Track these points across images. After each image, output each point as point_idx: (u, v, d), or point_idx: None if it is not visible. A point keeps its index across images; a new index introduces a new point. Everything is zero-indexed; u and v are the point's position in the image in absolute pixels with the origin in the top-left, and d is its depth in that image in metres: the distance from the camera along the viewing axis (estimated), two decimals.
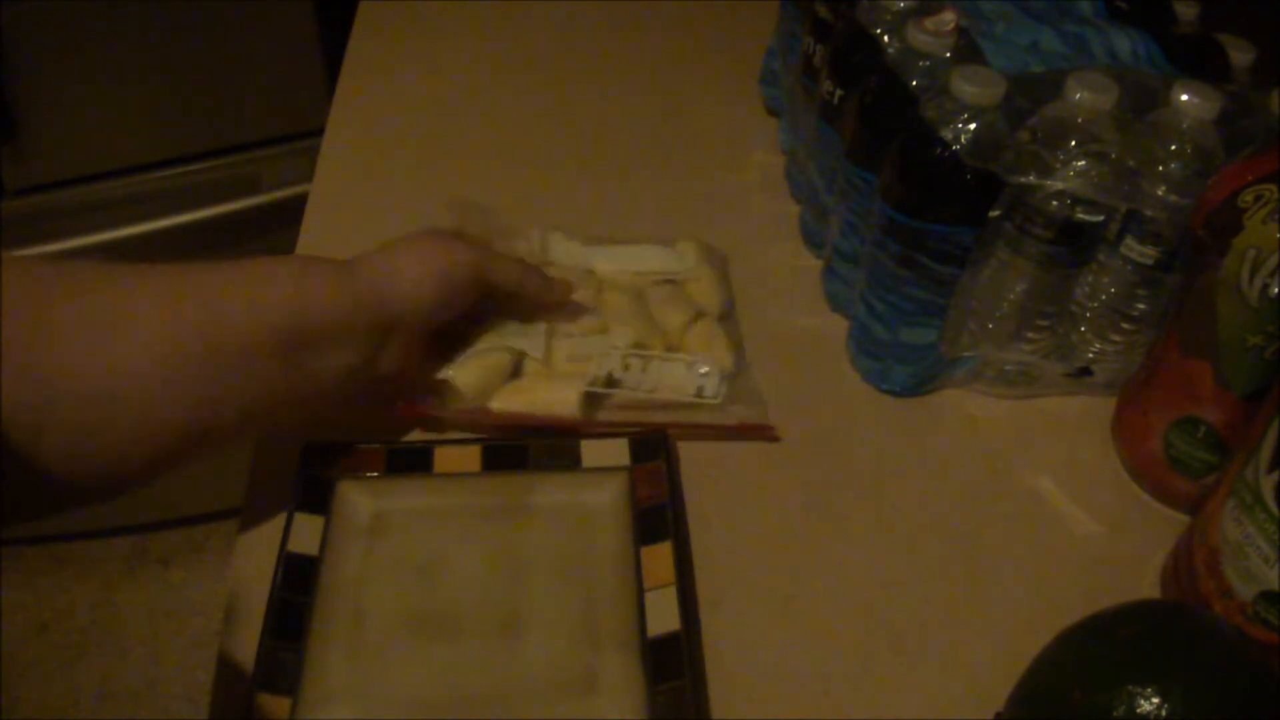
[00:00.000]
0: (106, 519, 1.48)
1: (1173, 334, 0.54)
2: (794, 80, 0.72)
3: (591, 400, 0.57)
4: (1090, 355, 0.60)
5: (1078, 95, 0.52)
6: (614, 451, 0.54)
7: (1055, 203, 0.53)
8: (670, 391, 0.57)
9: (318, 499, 0.51)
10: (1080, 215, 0.53)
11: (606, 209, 0.73)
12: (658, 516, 0.51)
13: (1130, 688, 0.38)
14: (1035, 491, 0.57)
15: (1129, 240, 0.55)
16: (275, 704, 0.44)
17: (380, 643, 0.47)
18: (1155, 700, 0.38)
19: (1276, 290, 0.47)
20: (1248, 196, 0.48)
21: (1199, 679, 0.39)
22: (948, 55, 0.56)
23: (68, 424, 0.42)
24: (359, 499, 0.52)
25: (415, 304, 0.51)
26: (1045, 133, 0.53)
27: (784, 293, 0.68)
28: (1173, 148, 0.53)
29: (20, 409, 0.40)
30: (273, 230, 1.13)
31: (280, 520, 0.50)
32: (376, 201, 0.73)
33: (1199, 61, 0.58)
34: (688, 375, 0.57)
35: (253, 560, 0.50)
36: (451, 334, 0.57)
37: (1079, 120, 0.52)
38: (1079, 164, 0.52)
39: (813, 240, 0.70)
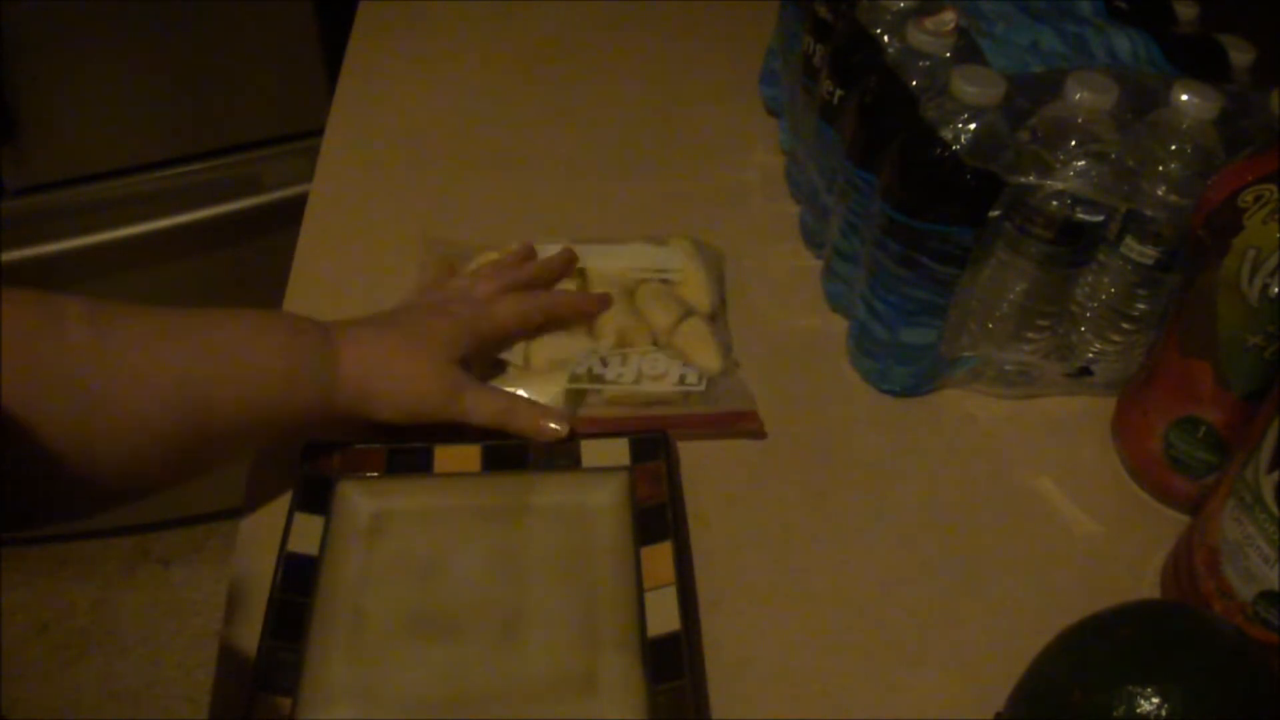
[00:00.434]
0: (107, 519, 1.48)
1: (1173, 334, 0.54)
2: (794, 80, 0.72)
3: (575, 396, 0.57)
4: (1090, 355, 0.60)
5: (1078, 95, 0.52)
6: (614, 451, 0.54)
7: (1055, 203, 0.53)
8: (653, 383, 0.57)
9: (318, 499, 0.51)
10: (1080, 215, 0.53)
11: (606, 209, 0.73)
12: (658, 516, 0.51)
13: (1130, 688, 0.38)
14: (1035, 491, 0.57)
15: (1129, 240, 0.55)
16: (275, 704, 0.44)
17: (380, 643, 0.47)
18: (1155, 700, 0.38)
19: (1276, 290, 0.47)
20: (1248, 196, 0.48)
21: (1199, 679, 0.39)
22: (948, 55, 0.56)
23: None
24: (359, 499, 0.52)
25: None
26: (1045, 133, 0.53)
27: (784, 293, 0.68)
28: (1173, 148, 0.53)
29: None
30: (273, 230, 1.13)
31: (280, 520, 0.50)
32: (376, 201, 0.73)
33: (1199, 61, 0.58)
34: (670, 366, 0.57)
35: (253, 560, 0.50)
36: None
37: (1079, 120, 0.52)
38: (1079, 164, 0.52)
39: (813, 240, 0.70)
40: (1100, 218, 0.54)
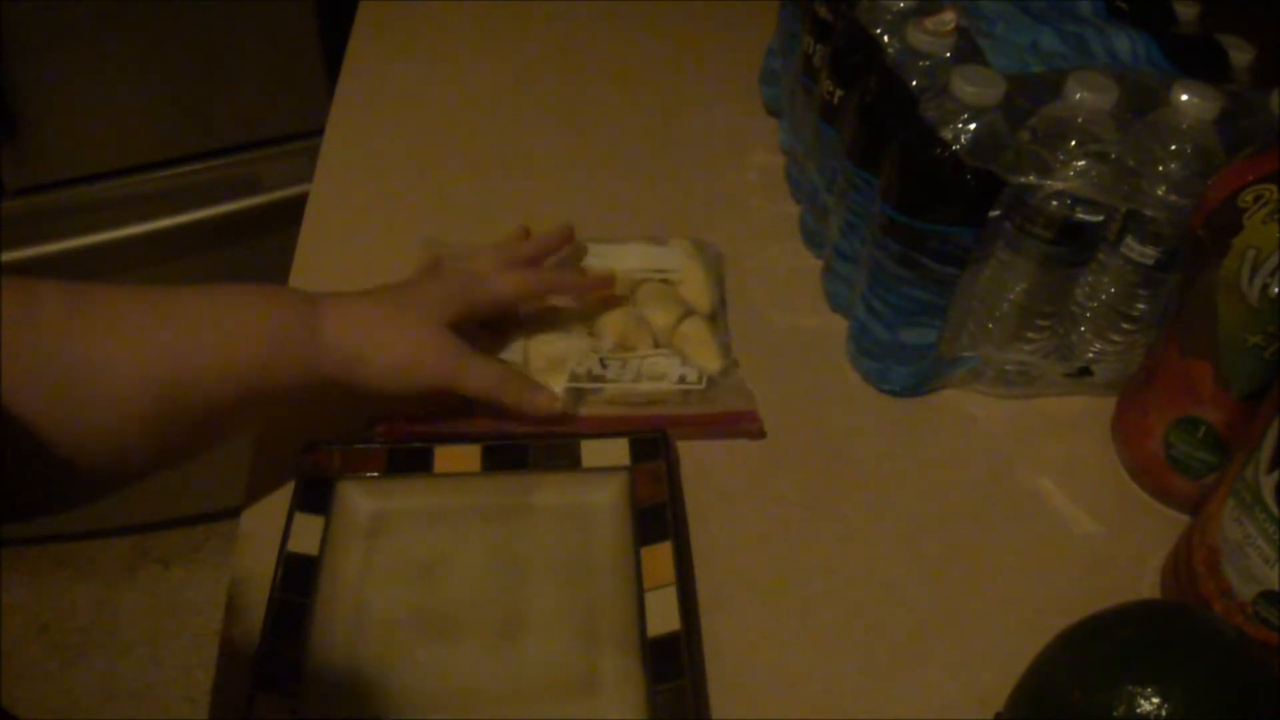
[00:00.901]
0: (106, 519, 1.48)
1: (1173, 334, 0.54)
2: (794, 80, 0.72)
3: (575, 396, 0.57)
4: (1090, 355, 0.60)
5: (1078, 95, 0.52)
6: (614, 451, 0.54)
7: (1055, 203, 0.53)
8: (653, 382, 0.57)
9: (318, 499, 0.51)
10: (1080, 215, 0.53)
11: (607, 209, 0.73)
12: (658, 516, 0.51)
13: (1130, 688, 0.38)
14: (1035, 491, 0.57)
15: (1129, 240, 0.55)
16: (275, 704, 0.44)
17: (380, 643, 0.47)
18: (1155, 700, 0.38)
19: (1276, 290, 0.47)
20: (1248, 196, 0.48)
21: (1199, 679, 0.39)
22: (948, 55, 0.56)
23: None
24: (359, 499, 0.52)
25: (375, 391, 0.52)
26: (1045, 133, 0.53)
27: (784, 293, 0.68)
28: (1173, 148, 0.53)
29: None
30: (273, 230, 1.13)
31: (280, 520, 0.50)
32: (376, 201, 0.73)
33: (1199, 61, 0.58)
34: (669, 365, 0.57)
35: (253, 560, 0.50)
36: None
37: (1079, 120, 0.52)
38: (1079, 164, 0.52)
39: (813, 240, 0.70)
40: (1100, 218, 0.54)
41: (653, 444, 0.54)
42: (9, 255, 1.10)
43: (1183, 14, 0.63)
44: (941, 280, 0.56)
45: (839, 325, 0.64)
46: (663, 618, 0.47)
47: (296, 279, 0.65)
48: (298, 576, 0.48)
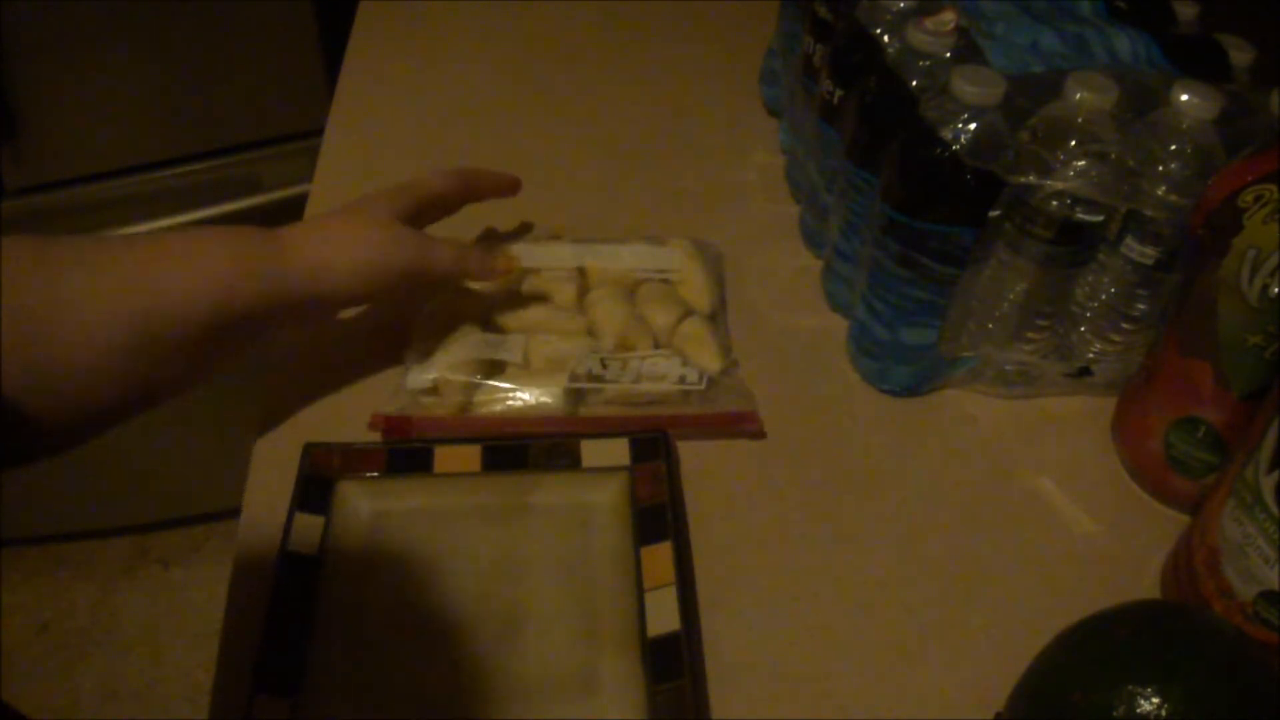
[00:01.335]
0: (106, 519, 1.48)
1: (1173, 334, 0.54)
2: (794, 80, 0.72)
3: (575, 396, 0.57)
4: (1090, 355, 0.60)
5: (1078, 95, 0.52)
6: (614, 451, 0.54)
7: (1055, 203, 0.53)
8: (652, 382, 0.57)
9: (318, 499, 0.51)
10: (1080, 215, 0.53)
11: (606, 209, 0.73)
12: (658, 516, 0.51)
13: (1130, 688, 0.38)
14: (1035, 491, 0.57)
15: (1129, 240, 0.55)
16: (275, 704, 0.44)
17: (380, 643, 0.47)
18: (1155, 700, 0.38)
19: (1276, 290, 0.47)
20: (1248, 196, 0.48)
21: (1199, 679, 0.39)
22: (948, 55, 0.56)
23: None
24: (359, 499, 0.52)
25: (345, 296, 0.54)
26: (1045, 133, 0.53)
27: (784, 293, 0.68)
28: (1173, 148, 0.53)
29: None
30: None
31: (280, 520, 0.50)
32: None
33: (1199, 61, 0.58)
34: (669, 365, 0.57)
35: (253, 560, 0.50)
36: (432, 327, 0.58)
37: (1079, 120, 0.52)
38: (1079, 164, 0.52)
39: (813, 240, 0.70)
40: (1100, 218, 0.54)
41: (653, 444, 0.54)
42: None
43: (1183, 14, 0.63)
44: (941, 280, 0.56)
45: (839, 325, 0.64)
46: (663, 618, 0.47)
47: None
48: (298, 576, 0.48)
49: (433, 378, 0.56)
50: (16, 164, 1.10)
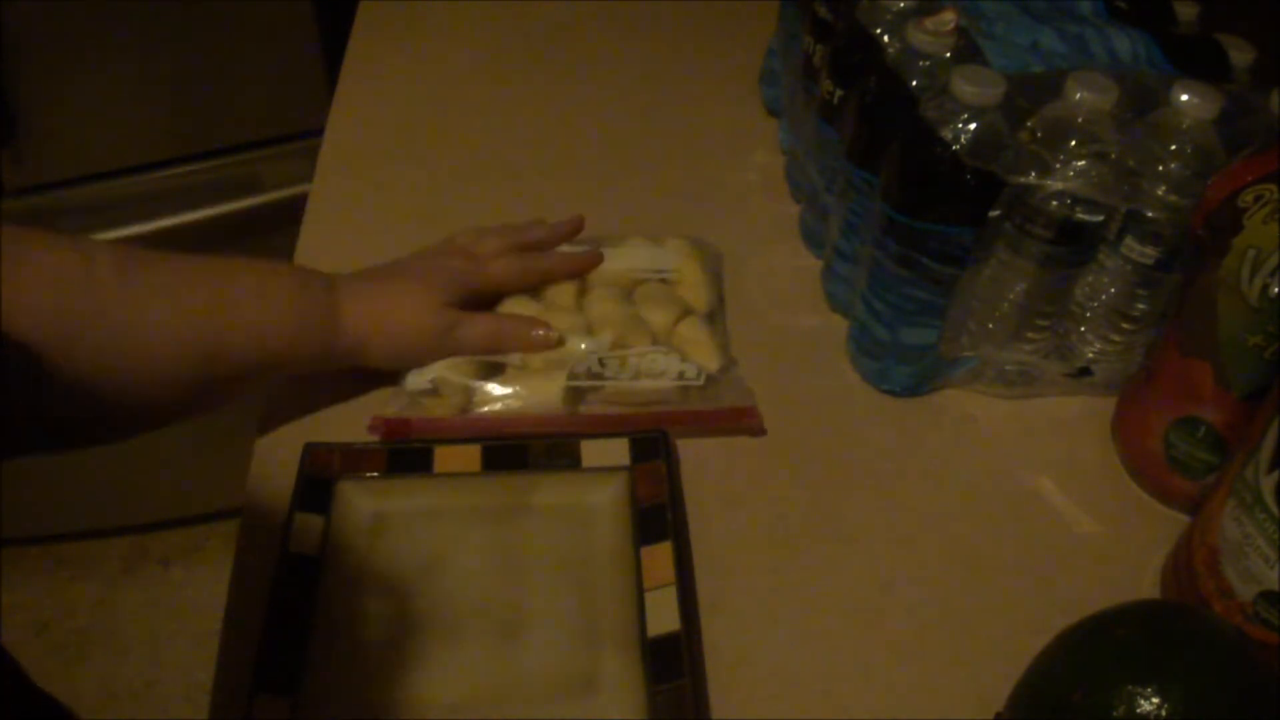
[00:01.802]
0: (106, 519, 1.48)
1: (1173, 334, 0.54)
2: (794, 80, 0.72)
3: (574, 394, 0.57)
4: (1090, 355, 0.60)
5: (1078, 95, 0.52)
6: (614, 451, 0.54)
7: (1055, 203, 0.53)
8: (652, 380, 0.57)
9: (318, 499, 0.51)
10: (1080, 215, 0.53)
11: (606, 209, 0.73)
12: (658, 516, 0.51)
13: (1130, 688, 0.38)
14: (1035, 491, 0.57)
15: (1129, 240, 0.55)
16: (275, 704, 0.44)
17: (380, 643, 0.47)
18: (1155, 700, 0.38)
19: (1276, 290, 0.47)
20: (1248, 196, 0.48)
21: (1199, 679, 0.39)
22: (948, 55, 0.56)
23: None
24: (359, 499, 0.52)
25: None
26: (1045, 133, 0.53)
27: (784, 293, 0.68)
28: (1173, 148, 0.53)
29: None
30: (273, 230, 1.12)
31: (280, 520, 0.50)
32: (376, 201, 0.73)
33: (1199, 61, 0.58)
34: (668, 362, 0.58)
35: (253, 560, 0.50)
36: None
37: (1079, 120, 0.52)
38: (1079, 164, 0.52)
39: (813, 240, 0.70)
40: (1100, 218, 0.54)
41: (653, 443, 0.54)
42: None
43: (1183, 14, 0.63)
44: (941, 280, 0.56)
45: (839, 325, 0.64)
46: (663, 618, 0.47)
47: None
48: (298, 576, 0.48)
49: (432, 378, 0.56)
50: (16, 164, 1.10)
